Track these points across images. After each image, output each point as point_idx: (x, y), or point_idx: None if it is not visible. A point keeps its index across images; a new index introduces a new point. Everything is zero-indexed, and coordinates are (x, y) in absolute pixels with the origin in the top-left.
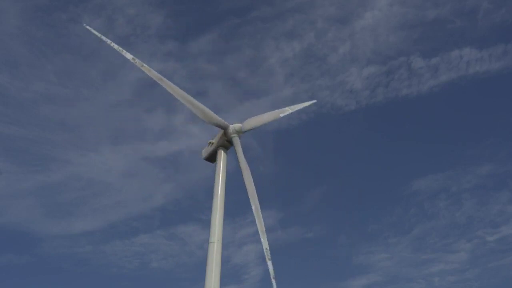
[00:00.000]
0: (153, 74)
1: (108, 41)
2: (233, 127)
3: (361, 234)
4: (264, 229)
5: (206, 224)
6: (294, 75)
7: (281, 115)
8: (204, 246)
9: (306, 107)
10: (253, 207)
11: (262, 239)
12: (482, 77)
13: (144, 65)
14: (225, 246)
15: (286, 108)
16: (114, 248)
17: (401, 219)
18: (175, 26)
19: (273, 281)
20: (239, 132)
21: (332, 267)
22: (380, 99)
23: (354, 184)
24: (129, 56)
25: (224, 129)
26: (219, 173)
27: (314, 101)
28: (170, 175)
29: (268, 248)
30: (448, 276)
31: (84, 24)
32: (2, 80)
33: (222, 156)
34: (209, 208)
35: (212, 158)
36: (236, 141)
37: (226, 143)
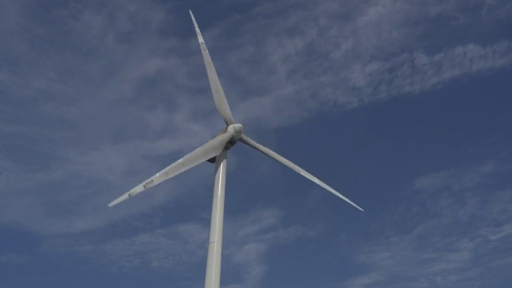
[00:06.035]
0: (178, 166)
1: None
2: (234, 126)
3: (362, 233)
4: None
5: (207, 223)
6: (296, 72)
7: (206, 52)
8: (205, 245)
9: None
10: (302, 173)
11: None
12: (485, 74)
13: (167, 171)
14: (225, 245)
15: (200, 42)
16: (114, 247)
17: (403, 218)
18: (177, 23)
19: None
20: (238, 132)
21: (333, 266)
22: (383, 97)
23: (356, 182)
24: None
25: (227, 125)
26: (219, 173)
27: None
28: None
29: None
30: (450, 275)
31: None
32: (2, 77)
33: (222, 156)
34: (210, 207)
35: (212, 158)
36: (228, 133)
37: (227, 143)
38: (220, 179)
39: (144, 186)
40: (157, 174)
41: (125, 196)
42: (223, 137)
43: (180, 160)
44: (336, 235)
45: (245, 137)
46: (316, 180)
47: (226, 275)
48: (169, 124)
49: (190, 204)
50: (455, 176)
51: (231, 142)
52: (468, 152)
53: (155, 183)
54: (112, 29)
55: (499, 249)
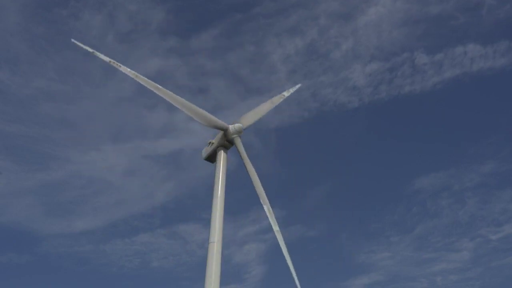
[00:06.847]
0: (148, 82)
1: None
2: (233, 127)
3: (363, 233)
4: (277, 228)
5: (207, 223)
6: (297, 72)
7: (279, 101)
8: (205, 245)
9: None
10: (265, 208)
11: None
12: (486, 73)
13: (138, 75)
14: (226, 245)
15: (283, 93)
16: (114, 247)
17: (403, 218)
18: (177, 22)
19: None
20: (240, 132)
21: (334, 266)
22: (383, 96)
23: (356, 182)
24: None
25: (224, 130)
26: (219, 173)
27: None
28: (171, 173)
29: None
30: (450, 275)
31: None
32: (3, 77)
33: (222, 156)
34: (210, 207)
35: (212, 158)
36: (238, 142)
37: (226, 143)
38: (220, 179)
39: (110, 61)
40: (129, 69)
41: (90, 49)
42: (218, 121)
43: (159, 86)
44: (336, 235)
45: (239, 144)
46: (275, 225)
47: (226, 275)
48: (169, 124)
49: (190, 204)
50: (455, 176)
51: (231, 142)
52: (468, 152)
53: (120, 69)
54: (112, 29)
55: (499, 249)
